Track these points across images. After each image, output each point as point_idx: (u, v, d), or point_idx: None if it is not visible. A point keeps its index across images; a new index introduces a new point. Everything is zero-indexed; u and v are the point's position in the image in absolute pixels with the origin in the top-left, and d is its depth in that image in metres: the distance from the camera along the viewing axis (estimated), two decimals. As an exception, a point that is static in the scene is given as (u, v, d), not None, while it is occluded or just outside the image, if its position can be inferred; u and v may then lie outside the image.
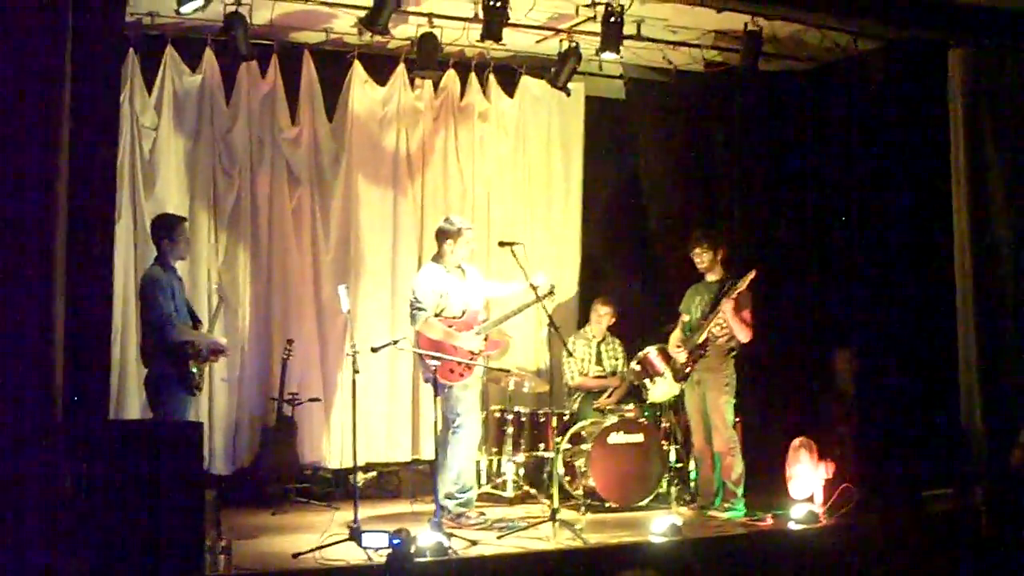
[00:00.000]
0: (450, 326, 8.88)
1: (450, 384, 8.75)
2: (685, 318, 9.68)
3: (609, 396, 10.39)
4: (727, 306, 9.21)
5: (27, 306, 6.50)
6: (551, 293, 9.09)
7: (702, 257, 9.59)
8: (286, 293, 10.27)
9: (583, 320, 10.89)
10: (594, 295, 10.91)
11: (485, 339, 9.04)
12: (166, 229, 8.51)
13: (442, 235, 9.05)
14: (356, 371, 8.17)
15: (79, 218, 6.92)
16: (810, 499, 9.33)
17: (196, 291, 9.63)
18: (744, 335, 9.34)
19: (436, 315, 8.87)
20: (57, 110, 6.67)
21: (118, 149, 8.36)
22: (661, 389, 9.70)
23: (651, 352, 9.72)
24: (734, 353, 9.46)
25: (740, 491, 9.39)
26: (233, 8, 8.81)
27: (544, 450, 10.01)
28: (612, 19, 9.18)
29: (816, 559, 8.42)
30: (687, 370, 9.46)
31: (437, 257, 9.10)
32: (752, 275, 9.19)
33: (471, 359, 8.83)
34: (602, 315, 10.60)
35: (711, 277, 9.60)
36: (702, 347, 9.40)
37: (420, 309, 8.82)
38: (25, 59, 6.59)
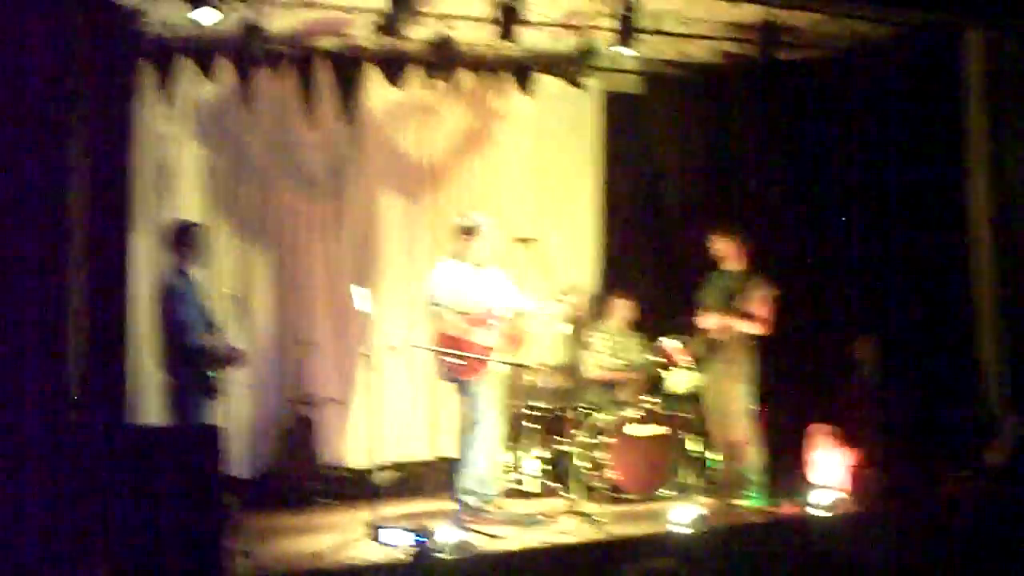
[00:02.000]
0: (464, 322, 8.91)
1: (467, 380, 8.77)
2: (703, 307, 9.68)
3: (628, 388, 10.41)
4: (741, 322, 9.28)
5: (44, 311, 6.59)
6: (569, 294, 9.06)
7: (720, 247, 9.59)
8: (302, 296, 10.30)
9: (602, 313, 10.88)
10: (614, 289, 10.92)
11: (500, 334, 9.04)
12: (183, 236, 8.58)
13: (460, 231, 9.08)
14: (373, 370, 8.20)
15: (96, 224, 7.01)
16: (832, 486, 9.31)
17: (214, 297, 9.66)
18: (758, 331, 9.36)
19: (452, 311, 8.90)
20: (72, 120, 6.76)
21: (134, 157, 8.41)
22: (679, 379, 9.74)
23: (666, 342, 9.75)
24: (752, 343, 9.46)
25: (758, 479, 9.38)
26: (248, 16, 8.86)
27: (564, 444, 10.04)
28: (627, 14, 9.18)
29: (839, 546, 8.39)
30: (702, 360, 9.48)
31: (455, 254, 9.13)
32: (769, 293, 9.23)
33: (485, 355, 8.85)
34: (620, 308, 10.62)
35: (729, 266, 9.60)
36: (714, 344, 9.41)
37: (434, 305, 8.85)
38: (38, 68, 6.67)
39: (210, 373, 8.29)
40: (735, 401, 9.39)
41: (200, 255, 8.69)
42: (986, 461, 9.04)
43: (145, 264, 9.40)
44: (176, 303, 8.29)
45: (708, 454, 10.12)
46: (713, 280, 9.67)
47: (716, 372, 9.52)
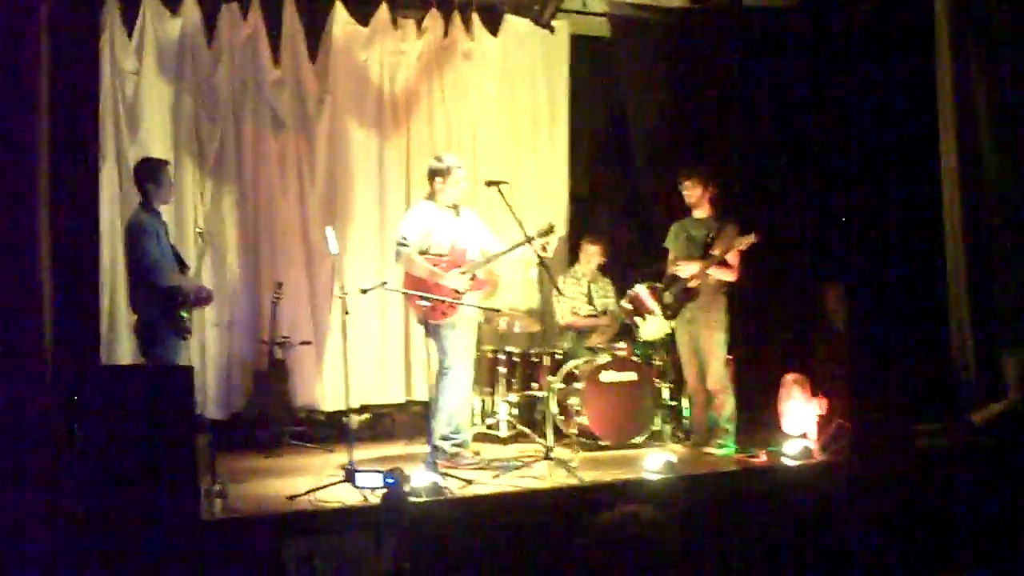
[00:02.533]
0: (436, 264, 8.80)
1: (437, 323, 8.69)
2: (672, 255, 9.64)
3: (600, 334, 10.38)
4: (713, 267, 9.25)
5: (12, 251, 6.44)
6: (551, 231, 8.96)
7: (691, 192, 9.52)
8: (274, 236, 10.22)
9: (573, 259, 10.84)
10: (582, 233, 10.86)
11: (472, 278, 8.95)
12: (150, 173, 8.39)
13: (432, 174, 8.95)
14: (346, 313, 8.11)
15: (62, 162, 6.84)
16: (803, 435, 9.33)
17: (183, 235, 9.57)
18: (731, 278, 9.34)
19: (422, 252, 8.80)
20: (35, 57, 6.58)
21: (99, 93, 8.23)
22: (652, 327, 9.66)
23: (641, 290, 9.68)
24: (725, 290, 9.43)
25: (732, 428, 9.38)
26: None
27: (537, 390, 10.03)
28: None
29: (810, 495, 8.40)
30: (677, 307, 9.44)
31: (428, 196, 9.02)
32: (751, 239, 9.17)
33: (455, 298, 8.75)
34: (591, 254, 10.57)
35: (699, 213, 9.54)
36: (689, 291, 9.37)
37: (403, 245, 8.75)
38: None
39: (180, 313, 8.17)
40: (710, 349, 9.37)
41: (168, 193, 8.54)
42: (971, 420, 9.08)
43: (110, 202, 9.28)
44: (146, 242, 8.11)
45: (682, 402, 10.13)
46: (685, 227, 9.61)
47: (691, 320, 9.48)
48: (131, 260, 8.29)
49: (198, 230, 9.35)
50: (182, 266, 8.47)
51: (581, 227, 11.21)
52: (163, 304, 8.10)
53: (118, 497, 6.46)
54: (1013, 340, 9.34)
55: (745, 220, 9.37)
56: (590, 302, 10.57)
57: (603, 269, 10.70)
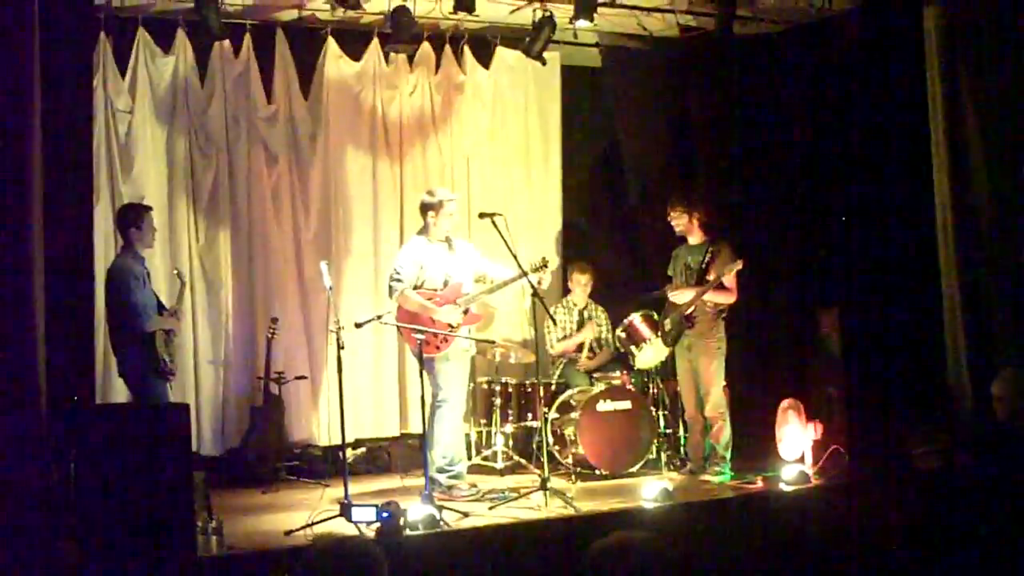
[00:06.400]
0: (429, 298, 8.85)
1: (431, 356, 8.72)
2: (674, 282, 9.68)
3: (590, 356, 10.45)
4: (708, 293, 9.28)
5: (6, 293, 6.46)
6: (545, 265, 9.03)
7: (679, 221, 9.59)
8: (268, 272, 10.24)
9: (566, 290, 10.85)
10: (575, 263, 10.86)
11: (465, 312, 8.99)
12: (133, 219, 8.49)
13: (424, 207, 9.02)
14: (341, 347, 8.12)
15: (56, 202, 6.88)
16: (800, 460, 9.35)
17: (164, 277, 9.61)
18: (730, 300, 9.38)
19: (416, 287, 8.85)
20: (28, 96, 6.62)
21: (92, 133, 8.29)
22: (648, 355, 9.70)
23: (636, 319, 9.72)
24: (724, 315, 9.46)
25: (728, 454, 9.41)
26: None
27: (533, 420, 10.04)
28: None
29: (806, 520, 8.44)
30: (677, 334, 9.47)
31: (422, 230, 9.08)
32: (739, 266, 9.21)
33: (448, 332, 8.79)
34: (582, 283, 10.60)
35: (693, 240, 9.59)
36: (688, 318, 9.40)
37: (397, 280, 8.82)
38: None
39: (162, 356, 8.24)
40: (708, 376, 9.39)
41: (152, 238, 8.64)
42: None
43: (105, 242, 9.30)
44: (132, 286, 8.22)
45: (679, 430, 10.14)
46: (680, 255, 9.67)
47: (689, 347, 9.51)
48: (114, 303, 8.34)
49: (176, 270, 9.34)
50: (162, 310, 8.55)
51: (575, 256, 11.21)
52: (144, 348, 8.20)
53: (115, 536, 6.50)
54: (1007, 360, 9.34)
55: (738, 242, 9.42)
56: (584, 331, 10.58)
57: (596, 297, 10.71)
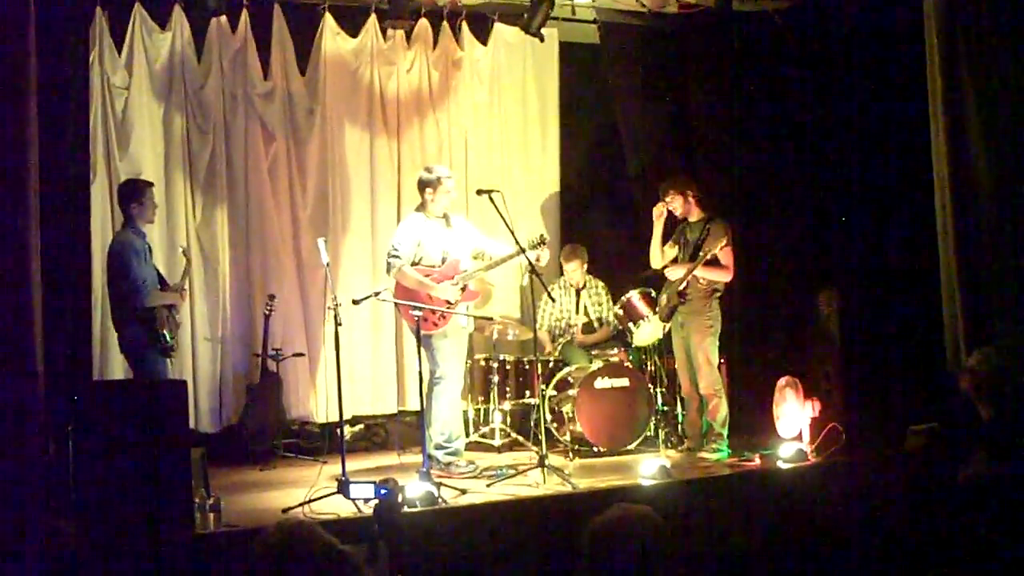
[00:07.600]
0: (427, 275, 8.84)
1: (428, 333, 8.73)
2: (678, 256, 9.67)
3: (587, 332, 10.47)
4: (701, 269, 9.26)
5: (4, 269, 6.44)
6: (543, 242, 9.02)
7: (675, 204, 9.57)
8: (265, 249, 10.22)
9: (562, 266, 10.81)
10: (574, 241, 10.85)
11: (463, 289, 8.98)
12: (133, 194, 8.50)
13: (422, 184, 9.00)
14: (339, 324, 8.11)
15: (53, 179, 6.86)
16: (797, 438, 9.34)
17: (174, 251, 9.57)
18: (725, 278, 9.36)
19: (414, 264, 8.84)
20: (24, 73, 6.58)
21: (89, 109, 8.26)
22: (646, 332, 9.69)
23: (634, 296, 9.71)
24: (718, 294, 9.44)
25: (726, 432, 9.39)
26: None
27: (530, 397, 10.05)
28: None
29: (804, 498, 8.43)
30: (671, 310, 9.46)
31: (420, 207, 9.06)
32: (722, 243, 9.18)
33: (446, 308, 8.79)
34: (571, 271, 10.60)
35: (693, 217, 9.57)
36: (681, 294, 9.38)
37: (395, 257, 8.81)
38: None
39: (162, 332, 8.25)
40: (703, 353, 9.37)
41: (152, 213, 8.64)
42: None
43: (101, 218, 9.30)
44: (133, 261, 8.22)
45: (676, 407, 10.14)
46: (683, 230, 9.65)
47: (683, 324, 9.49)
48: (116, 279, 8.35)
49: (181, 248, 9.34)
50: (164, 286, 8.56)
51: (572, 233, 11.21)
52: (145, 323, 8.20)
53: (112, 512, 6.47)
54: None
55: (738, 220, 9.40)
56: (579, 311, 10.59)
57: (595, 272, 10.72)
